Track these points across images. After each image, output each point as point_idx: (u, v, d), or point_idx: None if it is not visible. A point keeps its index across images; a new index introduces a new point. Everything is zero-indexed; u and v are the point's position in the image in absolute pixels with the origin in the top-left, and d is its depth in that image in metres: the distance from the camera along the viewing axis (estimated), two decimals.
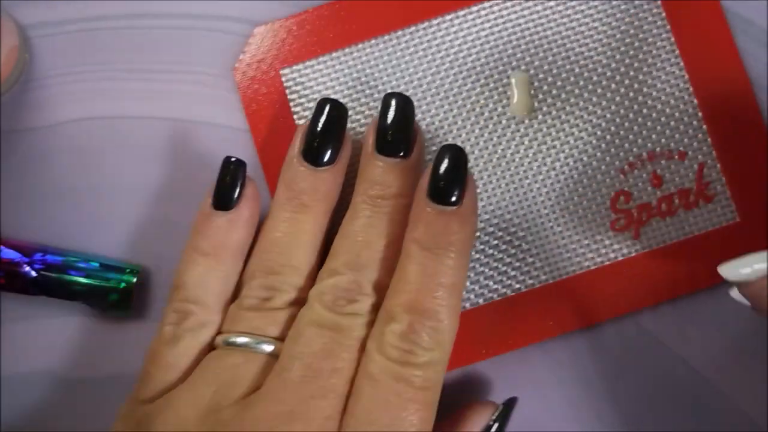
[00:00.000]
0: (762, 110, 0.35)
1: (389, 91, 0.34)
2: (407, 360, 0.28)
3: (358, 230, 0.30)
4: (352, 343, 0.29)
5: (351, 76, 0.35)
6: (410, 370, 0.28)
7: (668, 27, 0.35)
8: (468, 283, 0.34)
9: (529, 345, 0.34)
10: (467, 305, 0.34)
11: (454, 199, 0.29)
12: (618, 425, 0.35)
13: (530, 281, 0.34)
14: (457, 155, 0.30)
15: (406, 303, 0.29)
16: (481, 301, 0.34)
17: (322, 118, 0.31)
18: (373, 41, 0.35)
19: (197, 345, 0.31)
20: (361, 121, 0.35)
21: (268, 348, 0.30)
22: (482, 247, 0.34)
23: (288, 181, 0.32)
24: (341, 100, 0.34)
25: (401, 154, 0.31)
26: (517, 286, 0.34)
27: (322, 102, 0.32)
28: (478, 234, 0.34)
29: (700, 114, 0.35)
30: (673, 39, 0.35)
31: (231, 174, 0.32)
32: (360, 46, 0.35)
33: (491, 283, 0.34)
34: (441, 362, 0.29)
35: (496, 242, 0.34)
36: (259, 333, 0.30)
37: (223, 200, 0.31)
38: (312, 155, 0.31)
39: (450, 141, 0.34)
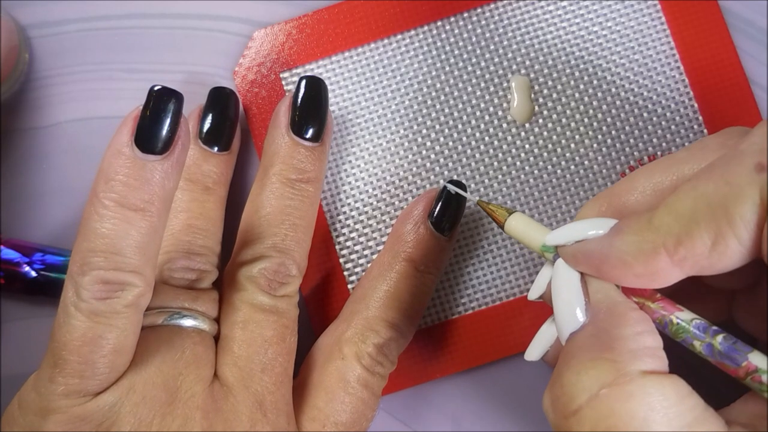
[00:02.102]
0: (762, 110, 0.35)
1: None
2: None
3: (281, 212, 0.31)
4: (292, 324, 0.30)
5: (351, 79, 0.35)
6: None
7: (667, 30, 0.35)
8: (466, 288, 0.34)
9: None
10: (469, 310, 0.34)
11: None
12: None
13: (528, 286, 0.34)
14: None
15: None
16: (481, 306, 0.34)
17: (216, 109, 0.33)
18: (372, 44, 0.35)
19: (139, 321, 0.27)
20: (361, 124, 0.35)
21: (212, 328, 0.30)
22: (483, 250, 0.34)
23: (190, 166, 0.32)
24: (341, 104, 0.34)
25: (316, 137, 0.32)
26: (519, 290, 0.34)
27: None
28: (479, 237, 0.34)
29: (700, 117, 0.34)
30: (672, 42, 0.35)
31: (164, 108, 0.26)
32: (360, 49, 0.35)
33: (490, 288, 0.34)
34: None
35: (496, 246, 0.34)
36: (201, 312, 0.30)
37: (154, 140, 0.26)
38: (213, 141, 0.32)
39: (450, 144, 0.34)
